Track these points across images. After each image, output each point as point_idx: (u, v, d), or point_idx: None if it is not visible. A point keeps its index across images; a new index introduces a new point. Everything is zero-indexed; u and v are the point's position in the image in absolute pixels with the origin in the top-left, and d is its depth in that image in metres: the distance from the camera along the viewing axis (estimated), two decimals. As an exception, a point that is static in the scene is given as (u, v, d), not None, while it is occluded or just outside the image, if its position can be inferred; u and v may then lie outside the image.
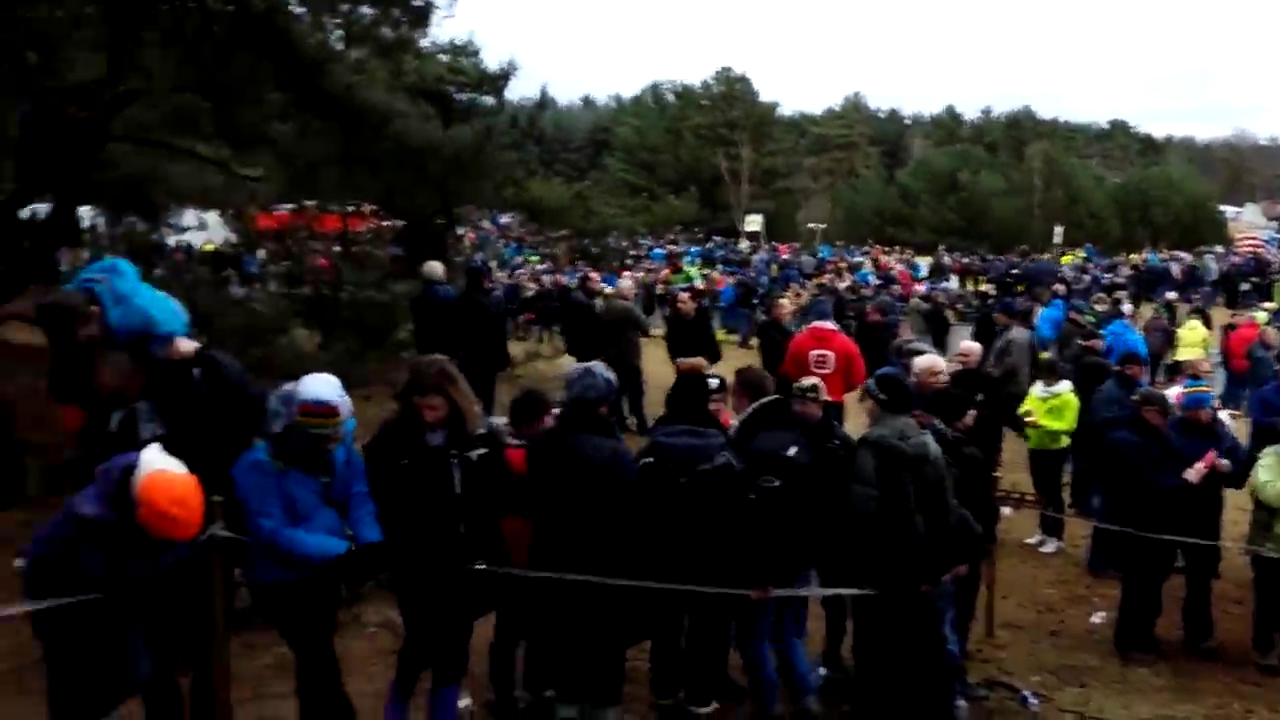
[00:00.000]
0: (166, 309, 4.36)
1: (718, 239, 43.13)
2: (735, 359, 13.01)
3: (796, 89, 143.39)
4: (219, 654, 4.37)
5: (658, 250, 34.03)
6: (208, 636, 4.33)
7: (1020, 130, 64.40)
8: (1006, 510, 8.41)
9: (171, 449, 3.91)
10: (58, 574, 3.76)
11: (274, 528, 4.22)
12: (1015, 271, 28.72)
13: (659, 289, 22.78)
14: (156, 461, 3.76)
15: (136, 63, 10.19)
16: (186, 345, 4.28)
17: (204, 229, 18.59)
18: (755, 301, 22.39)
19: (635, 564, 4.81)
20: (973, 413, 7.47)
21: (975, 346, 9.56)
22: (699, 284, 18.22)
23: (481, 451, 4.73)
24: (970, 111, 70.19)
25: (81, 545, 3.75)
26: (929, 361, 7.43)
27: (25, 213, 12.16)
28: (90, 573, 3.74)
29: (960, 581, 5.93)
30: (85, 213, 13.54)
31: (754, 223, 44.69)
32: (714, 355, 11.53)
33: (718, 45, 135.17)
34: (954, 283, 29.38)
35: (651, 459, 5.11)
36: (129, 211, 12.51)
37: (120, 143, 11.18)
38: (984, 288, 26.77)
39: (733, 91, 59.95)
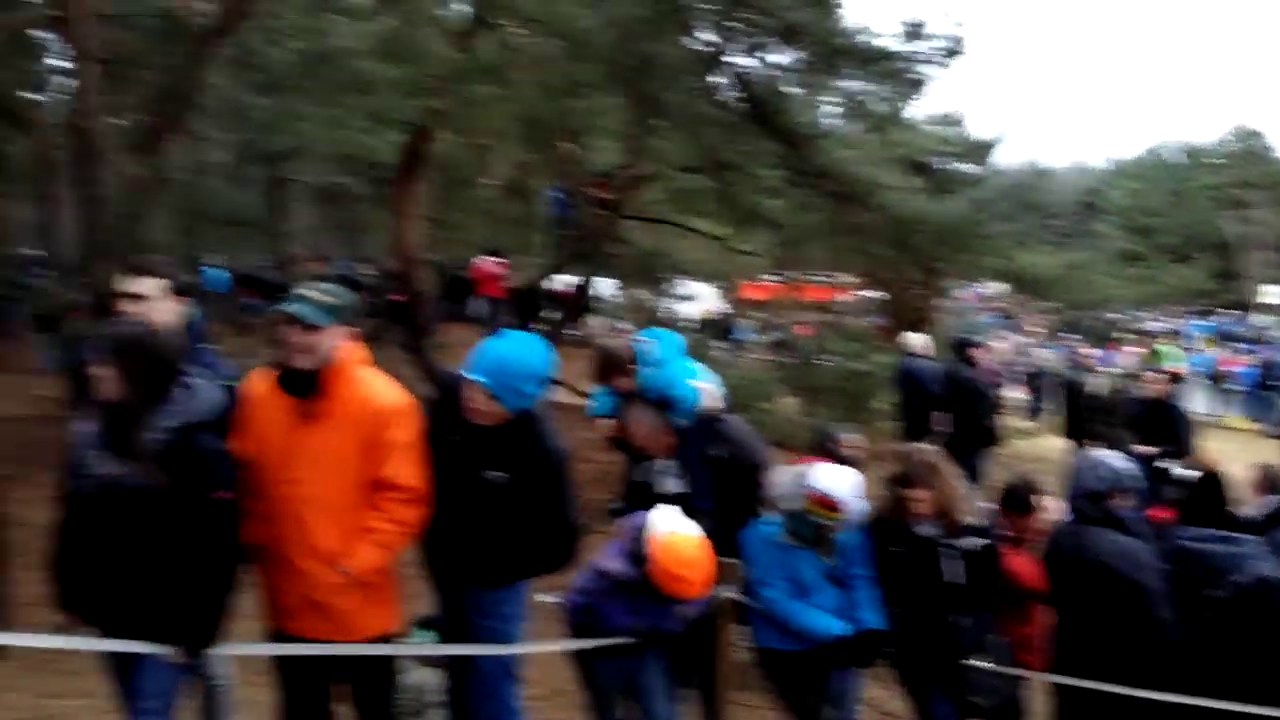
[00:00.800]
0: (690, 386, 4.62)
1: (1232, 313, 38.43)
2: (1260, 449, 11.40)
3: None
4: (719, 711, 4.52)
5: (1158, 324, 31.02)
6: (712, 692, 4.50)
7: None
8: None
9: (689, 508, 4.15)
10: (588, 623, 4.12)
11: (776, 598, 4.32)
12: None
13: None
14: (668, 523, 3.97)
15: (650, 148, 11.22)
16: (713, 401, 4.52)
17: (693, 299, 19.98)
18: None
19: (1156, 675, 4.30)
20: None
21: None
22: (1174, 366, 16.07)
23: (972, 542, 4.53)
24: None
25: (608, 598, 4.07)
26: None
27: (551, 283, 13.82)
28: (615, 623, 4.05)
29: None
30: (598, 283, 15.11)
31: (1275, 294, 39.34)
32: (1177, 445, 10.17)
33: (1230, 104, 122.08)
34: None
35: (1177, 567, 4.56)
36: (638, 283, 13.72)
37: (632, 221, 12.35)
38: None
39: (1250, 149, 53.63)
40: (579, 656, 4.23)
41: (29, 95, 14.75)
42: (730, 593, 4.25)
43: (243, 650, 3.67)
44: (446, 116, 10.25)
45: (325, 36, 10.63)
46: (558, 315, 13.24)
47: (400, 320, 11.50)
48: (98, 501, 3.24)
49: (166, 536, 3.23)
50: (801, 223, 11.10)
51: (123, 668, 3.44)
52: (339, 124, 10.98)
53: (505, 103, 10.37)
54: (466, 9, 10.87)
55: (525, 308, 13.29)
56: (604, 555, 4.14)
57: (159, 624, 3.28)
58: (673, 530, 3.95)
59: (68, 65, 13.00)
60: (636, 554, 3.98)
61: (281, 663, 3.70)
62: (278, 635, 3.65)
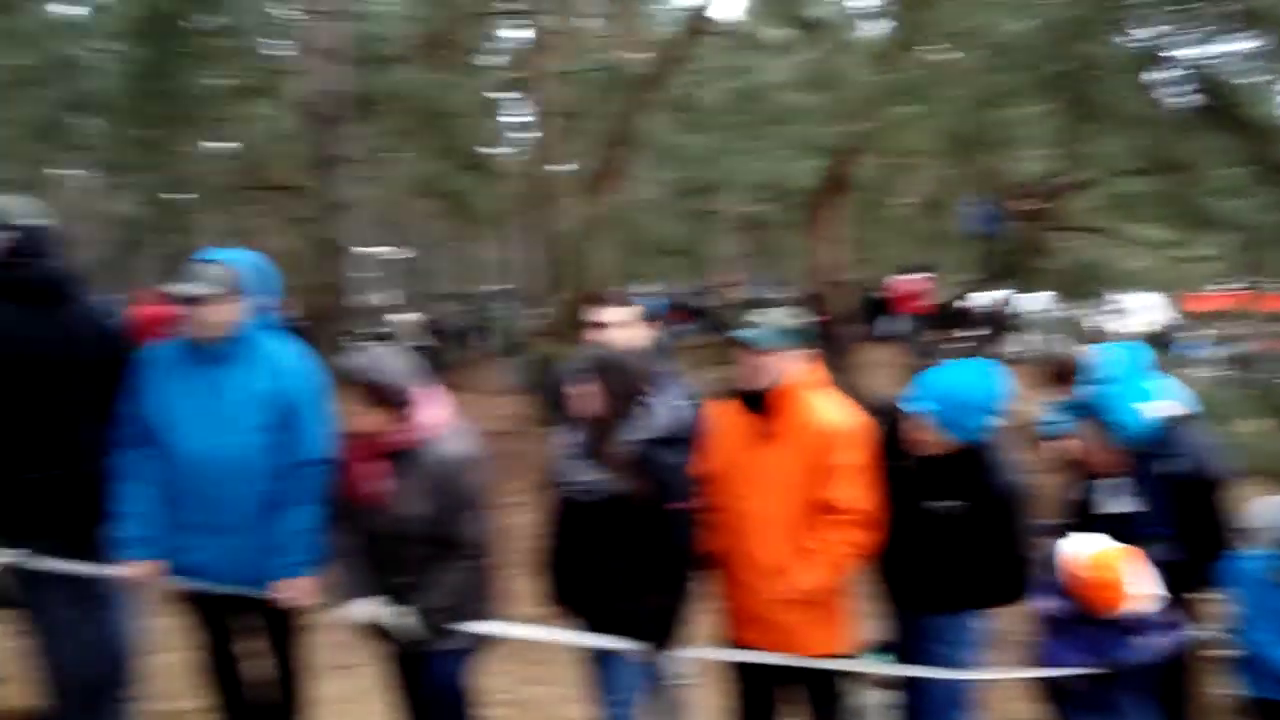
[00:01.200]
0: (1135, 407, 4.28)
1: None
2: None
3: None
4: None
5: None
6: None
7: None
8: None
9: (1139, 531, 3.89)
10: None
11: (1266, 642, 3.87)
12: None
13: None
14: (1075, 543, 3.79)
15: (1084, 154, 10.58)
16: (1166, 410, 4.20)
17: (1128, 312, 18.33)
18: None
19: None
20: None
21: None
22: None
23: None
24: None
25: (1053, 641, 3.87)
26: None
27: (969, 300, 13.40)
28: (1069, 665, 3.82)
29: None
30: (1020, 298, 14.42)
31: None
32: None
33: None
34: None
35: None
36: (1071, 296, 12.97)
37: (1062, 231, 11.70)
38: None
39: None
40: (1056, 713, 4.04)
41: (491, 149, 16.79)
42: (1202, 632, 3.90)
43: (697, 654, 3.89)
44: (868, 139, 10.32)
45: (748, 74, 11.13)
46: (980, 332, 12.83)
47: (820, 341, 11.68)
48: (581, 506, 3.61)
49: (634, 540, 3.55)
50: (1268, 223, 9.91)
51: (597, 661, 3.79)
52: (763, 155, 11.40)
53: (927, 120, 10.26)
54: (885, 32, 10.90)
55: (946, 325, 12.99)
56: (1037, 596, 3.95)
57: (629, 622, 3.60)
58: (1074, 547, 3.77)
59: (526, 120, 14.70)
60: (1057, 584, 3.79)
61: (735, 669, 3.91)
62: (730, 643, 3.85)
